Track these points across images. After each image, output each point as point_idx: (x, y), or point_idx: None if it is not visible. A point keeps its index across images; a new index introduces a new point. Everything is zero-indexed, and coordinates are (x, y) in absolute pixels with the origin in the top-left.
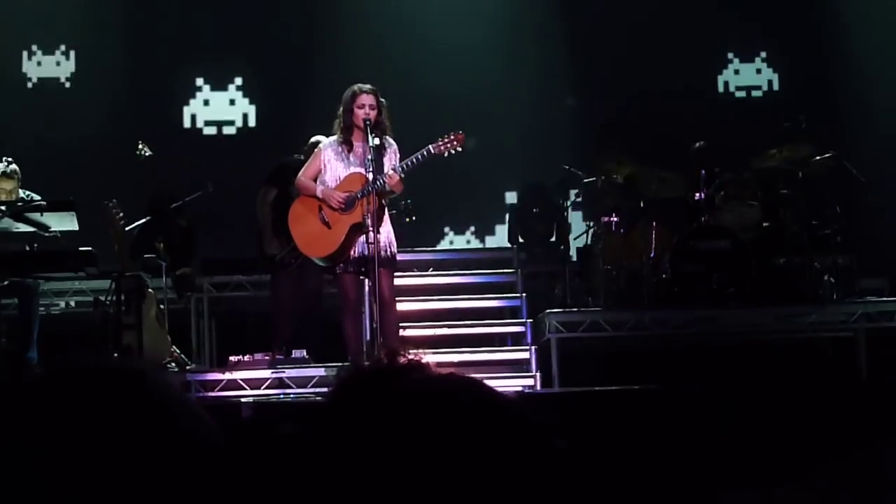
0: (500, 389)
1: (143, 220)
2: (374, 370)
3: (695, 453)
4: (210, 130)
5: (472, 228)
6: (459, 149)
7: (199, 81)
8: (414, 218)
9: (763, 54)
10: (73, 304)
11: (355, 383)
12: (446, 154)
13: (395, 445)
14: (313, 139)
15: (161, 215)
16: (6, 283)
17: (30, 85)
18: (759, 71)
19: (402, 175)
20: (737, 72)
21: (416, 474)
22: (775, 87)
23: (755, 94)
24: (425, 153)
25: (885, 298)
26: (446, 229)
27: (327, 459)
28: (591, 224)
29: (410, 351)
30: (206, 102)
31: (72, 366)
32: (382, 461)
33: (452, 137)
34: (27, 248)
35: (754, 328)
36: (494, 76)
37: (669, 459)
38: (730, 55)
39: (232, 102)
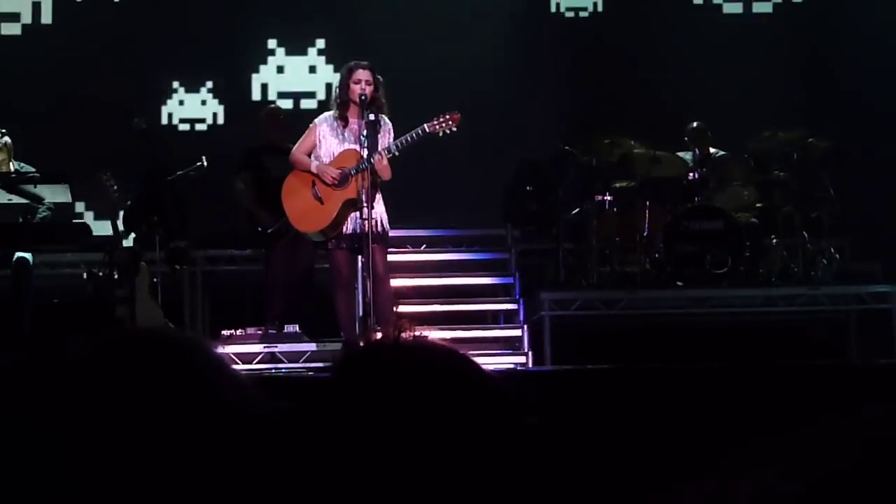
0: (492, 367)
1: (137, 193)
2: (373, 346)
3: (684, 433)
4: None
5: (466, 205)
6: (455, 128)
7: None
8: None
9: None
10: (65, 276)
11: (357, 358)
12: (441, 133)
13: (362, 419)
14: (268, 108)
15: (155, 188)
16: None
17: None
18: None
19: (396, 153)
20: None
21: (379, 446)
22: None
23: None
24: (420, 132)
25: (876, 281)
26: (440, 206)
27: (321, 430)
28: (585, 203)
29: (415, 328)
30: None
31: (120, 334)
32: (351, 434)
33: (448, 117)
34: (20, 220)
35: (746, 309)
36: (489, 51)
37: (658, 439)
38: None
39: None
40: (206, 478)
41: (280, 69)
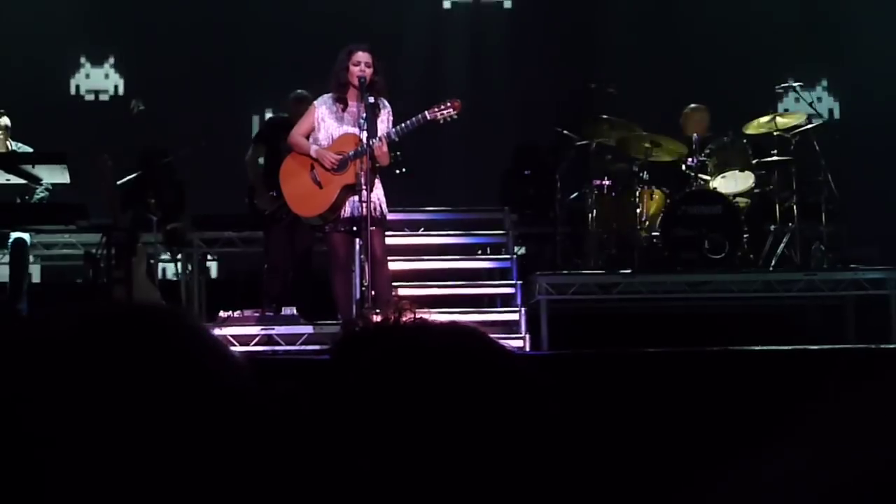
0: None
1: (135, 175)
2: (377, 327)
3: (682, 418)
4: None
5: (464, 189)
6: (455, 116)
7: None
8: (405, 170)
9: None
10: (63, 257)
11: (358, 339)
12: (441, 121)
13: (391, 393)
14: (295, 93)
15: (152, 170)
16: None
17: None
18: None
19: (396, 139)
20: None
21: (408, 423)
22: None
23: None
24: (420, 119)
25: (874, 266)
26: (438, 189)
27: (325, 411)
28: (583, 187)
29: (416, 310)
30: None
31: (101, 308)
32: (378, 408)
33: (449, 104)
34: (18, 200)
35: (743, 294)
36: (489, 37)
37: (656, 425)
38: None
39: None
40: (191, 452)
41: None
